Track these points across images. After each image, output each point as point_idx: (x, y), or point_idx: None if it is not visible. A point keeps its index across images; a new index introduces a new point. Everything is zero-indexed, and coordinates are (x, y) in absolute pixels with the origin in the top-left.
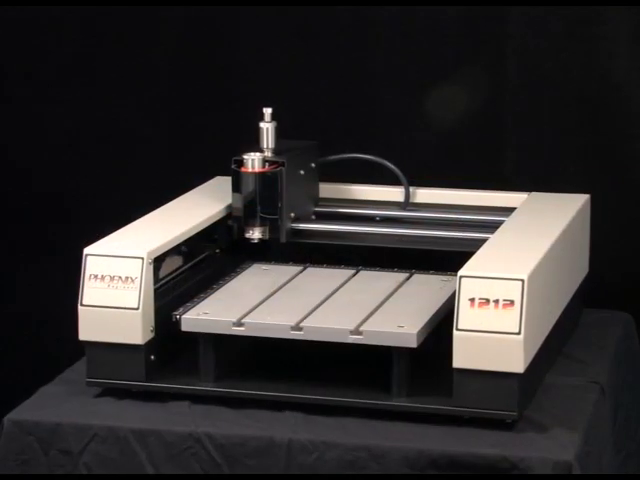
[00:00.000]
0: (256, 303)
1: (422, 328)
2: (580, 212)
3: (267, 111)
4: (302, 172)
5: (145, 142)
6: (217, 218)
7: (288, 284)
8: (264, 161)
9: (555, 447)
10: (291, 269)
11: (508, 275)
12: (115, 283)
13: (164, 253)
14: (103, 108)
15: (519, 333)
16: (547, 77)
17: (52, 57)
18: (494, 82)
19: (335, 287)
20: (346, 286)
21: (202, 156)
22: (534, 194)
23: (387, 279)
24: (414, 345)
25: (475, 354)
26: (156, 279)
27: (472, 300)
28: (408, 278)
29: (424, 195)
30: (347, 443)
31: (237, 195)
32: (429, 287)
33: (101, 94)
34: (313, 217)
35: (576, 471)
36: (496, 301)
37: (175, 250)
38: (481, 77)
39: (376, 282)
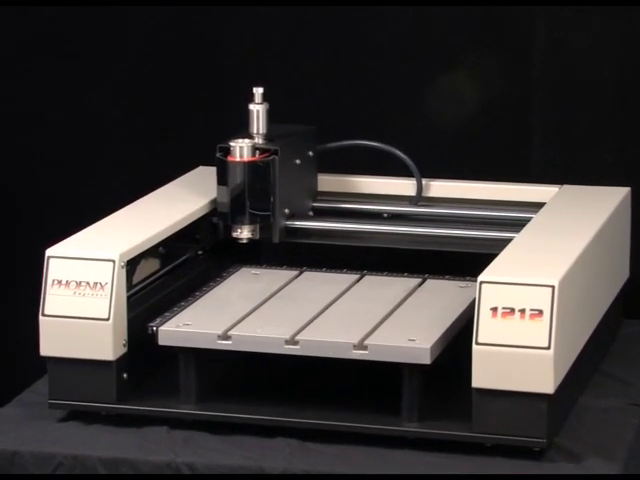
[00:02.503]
0: (245, 313)
1: (436, 342)
2: (619, 208)
3: (258, 91)
4: (298, 161)
5: (117, 127)
6: (200, 215)
7: (282, 291)
8: (254, 149)
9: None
10: (285, 273)
11: (536, 281)
12: (82, 290)
13: (139, 255)
14: (68, 89)
15: (549, 348)
16: (578, 55)
17: (9, 30)
18: (519, 61)
19: (336, 294)
20: (349, 293)
21: (182, 143)
22: (566, 187)
23: (396, 285)
24: (427, 361)
25: (498, 372)
26: (129, 285)
27: (494, 309)
28: (420, 284)
29: (439, 188)
30: (349, 474)
31: (223, 188)
32: (444, 294)
33: (65, 73)
34: (311, 213)
35: None
36: (522, 311)
37: (151, 252)
38: (504, 55)
39: (383, 289)
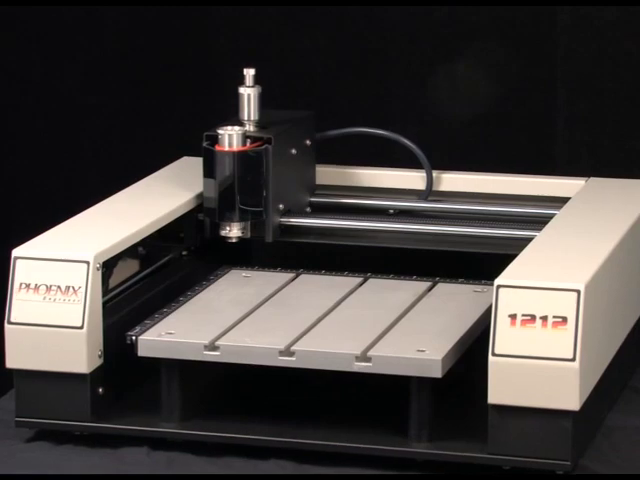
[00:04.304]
0: (234, 321)
1: (448, 353)
2: None
3: (249, 73)
4: (294, 151)
5: (93, 114)
6: (184, 211)
7: (276, 296)
8: (245, 137)
9: None
10: (279, 276)
11: (559, 285)
12: (53, 295)
13: (116, 256)
14: (39, 71)
15: (573, 359)
16: (607, 34)
17: None
18: (541, 41)
19: (336, 300)
20: (350, 298)
21: (165, 131)
22: (593, 180)
23: (403, 289)
24: (438, 375)
25: (517, 386)
26: (105, 289)
27: (513, 317)
28: (430, 288)
29: (451, 181)
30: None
31: (210, 181)
32: (457, 300)
33: (37, 53)
34: (308, 209)
35: None
36: (544, 318)
37: (130, 252)
38: (525, 35)
39: (389, 293)
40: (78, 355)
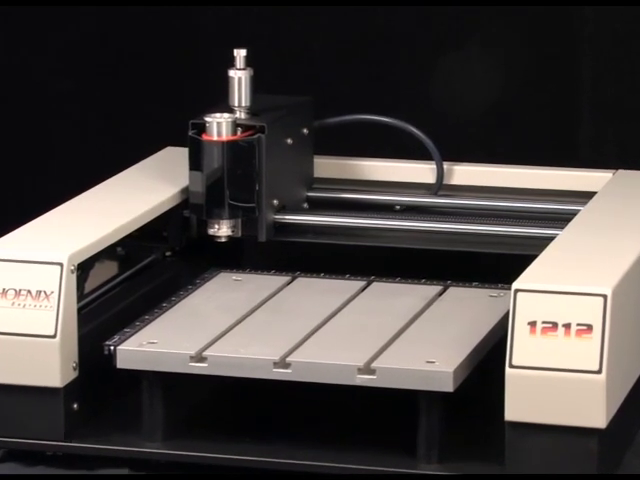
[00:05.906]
0: (224, 329)
1: (461, 365)
2: None
3: (240, 54)
4: (290, 141)
5: (67, 100)
6: (168, 207)
7: (270, 301)
8: (235, 125)
9: None
10: (274, 280)
11: (584, 289)
12: (22, 300)
13: (92, 257)
14: (7, 52)
15: (600, 372)
16: (636, 10)
17: None
18: (565, 20)
19: (337, 306)
20: (352, 304)
21: (147, 119)
22: (621, 173)
23: (411, 294)
24: (450, 389)
25: (537, 402)
26: (81, 294)
27: (532, 324)
28: (441, 293)
29: (464, 174)
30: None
31: (197, 174)
32: (471, 306)
33: (3, 33)
34: (305, 205)
35: None
36: (567, 326)
37: (108, 253)
38: (548, 13)
39: (395, 299)
40: (50, 367)
